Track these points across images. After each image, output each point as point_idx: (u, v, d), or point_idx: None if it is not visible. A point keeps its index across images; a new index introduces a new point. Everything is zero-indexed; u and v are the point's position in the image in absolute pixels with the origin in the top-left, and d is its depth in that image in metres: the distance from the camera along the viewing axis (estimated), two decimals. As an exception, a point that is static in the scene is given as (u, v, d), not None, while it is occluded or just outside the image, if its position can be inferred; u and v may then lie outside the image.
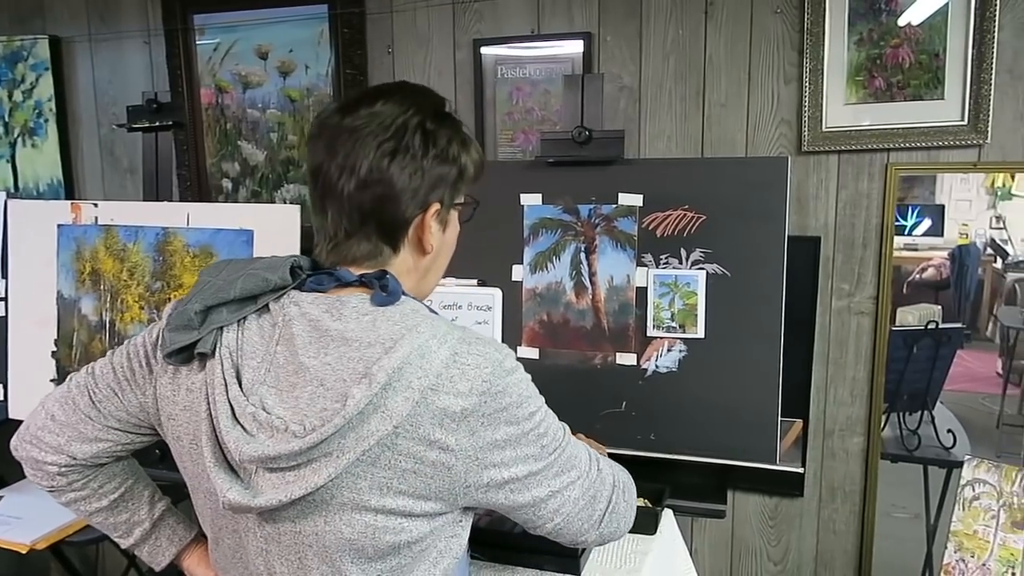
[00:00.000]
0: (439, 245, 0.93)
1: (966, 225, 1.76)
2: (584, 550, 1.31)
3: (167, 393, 0.89)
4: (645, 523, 1.42)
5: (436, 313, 0.88)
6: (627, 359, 1.63)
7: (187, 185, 2.33)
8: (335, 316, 0.83)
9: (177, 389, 0.88)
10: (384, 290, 0.85)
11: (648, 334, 1.62)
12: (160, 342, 0.89)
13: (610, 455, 1.13)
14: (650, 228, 1.62)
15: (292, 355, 0.83)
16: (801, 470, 1.86)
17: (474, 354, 0.82)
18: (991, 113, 1.67)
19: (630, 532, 1.40)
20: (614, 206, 1.64)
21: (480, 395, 0.80)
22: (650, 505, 1.48)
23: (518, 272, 1.71)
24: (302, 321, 0.84)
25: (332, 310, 0.84)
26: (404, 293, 0.87)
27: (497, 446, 0.82)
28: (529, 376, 0.87)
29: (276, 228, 1.78)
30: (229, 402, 0.82)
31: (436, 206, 0.89)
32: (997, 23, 1.64)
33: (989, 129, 1.67)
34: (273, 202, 2.29)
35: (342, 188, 0.85)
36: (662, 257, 1.61)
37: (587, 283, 1.66)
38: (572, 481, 0.90)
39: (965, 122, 1.69)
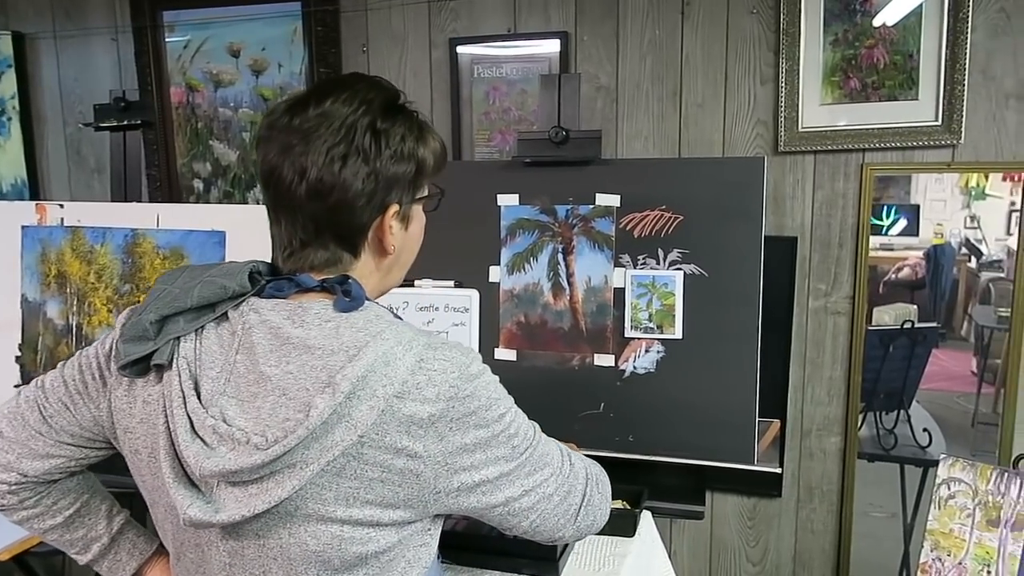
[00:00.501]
0: (402, 243, 0.91)
1: (941, 225, 1.78)
2: (562, 552, 1.31)
3: (123, 406, 0.87)
4: (623, 525, 1.42)
5: (401, 319, 0.87)
6: (605, 360, 1.64)
7: (157, 186, 2.29)
8: (296, 323, 0.82)
9: (133, 401, 0.86)
10: (347, 295, 0.84)
11: (626, 335, 1.62)
12: (114, 353, 0.87)
13: (587, 456, 1.13)
14: (628, 228, 1.62)
15: (253, 364, 0.81)
16: (779, 470, 1.88)
17: (440, 359, 0.81)
18: (964, 113, 1.69)
19: (608, 535, 1.42)
20: (591, 206, 1.64)
21: (447, 400, 0.80)
22: (628, 507, 1.49)
23: (495, 273, 1.70)
24: (262, 329, 0.82)
25: (293, 317, 0.82)
26: (367, 298, 0.86)
27: (467, 450, 0.82)
28: (497, 378, 0.86)
29: (249, 229, 1.77)
30: (188, 415, 0.80)
31: (395, 207, 0.87)
32: (970, 24, 1.67)
33: (963, 129, 1.70)
34: (246, 203, 2.26)
35: (294, 195, 0.83)
36: (640, 257, 1.62)
37: (565, 284, 1.66)
38: (545, 479, 0.90)
39: (939, 122, 1.71)
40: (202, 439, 0.79)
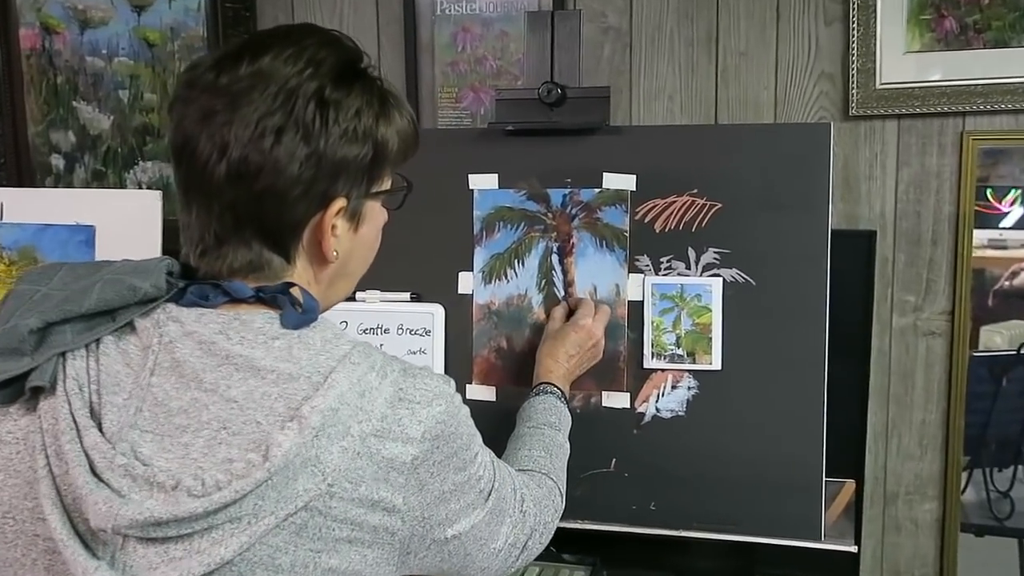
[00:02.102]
0: (349, 248, 0.96)
1: (1069, 214, 1.81)
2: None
3: None
4: (643, 626, 1.43)
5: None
6: (617, 400, 1.65)
7: (0, 163, 2.29)
8: (234, 339, 0.86)
9: None
10: (296, 307, 0.88)
11: (645, 365, 1.63)
12: None
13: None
14: (646, 221, 1.64)
15: (178, 388, 0.84)
16: (855, 549, 1.88)
17: (421, 388, 0.89)
18: (1097, 65, 1.73)
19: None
20: (597, 191, 1.66)
21: (433, 439, 0.88)
22: (650, 601, 1.50)
23: (466, 282, 1.71)
24: (188, 344, 0.85)
25: (228, 331, 0.86)
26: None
27: (443, 499, 0.91)
28: (468, 408, 0.95)
29: (127, 223, 1.77)
30: (85, 452, 0.81)
31: (340, 201, 0.91)
32: (1103, -55, 1.71)
33: (1095, 86, 1.74)
34: (123, 186, 2.27)
35: (210, 177, 0.86)
36: (663, 260, 1.63)
37: (561, 296, 1.67)
38: (504, 533, 1.03)
39: (1063, 76, 1.75)
40: (107, 483, 0.80)
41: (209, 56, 0.91)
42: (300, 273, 0.93)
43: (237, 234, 0.89)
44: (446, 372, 1.68)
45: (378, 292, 1.70)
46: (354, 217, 0.95)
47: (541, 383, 1.48)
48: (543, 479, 1.25)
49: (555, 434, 1.37)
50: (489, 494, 0.99)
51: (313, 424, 0.81)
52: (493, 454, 1.04)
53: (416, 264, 1.70)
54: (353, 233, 0.96)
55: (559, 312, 1.62)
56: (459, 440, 0.91)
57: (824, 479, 1.57)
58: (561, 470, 1.33)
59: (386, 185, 0.98)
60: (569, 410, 1.46)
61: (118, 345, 0.87)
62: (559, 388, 1.47)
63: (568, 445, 1.39)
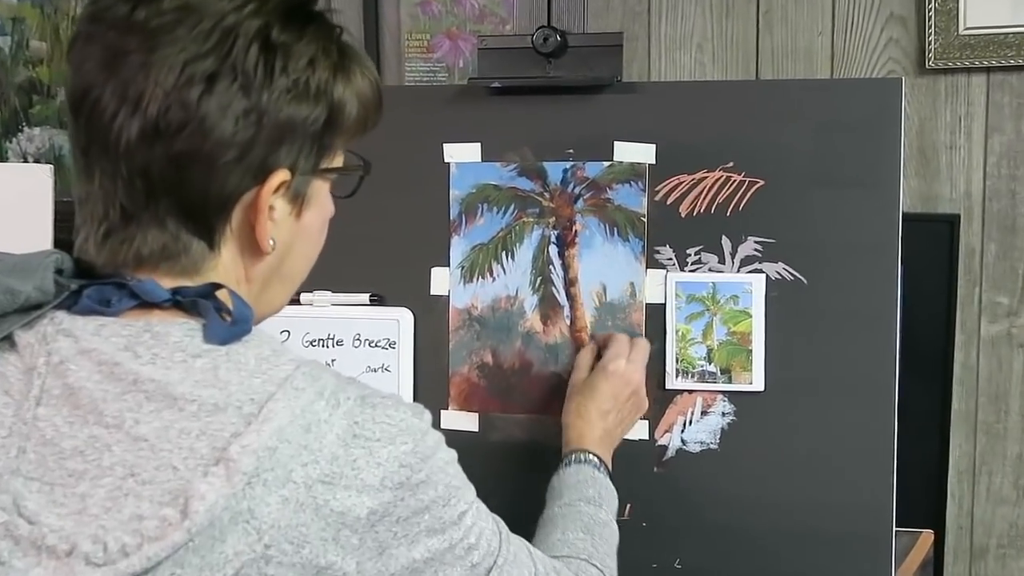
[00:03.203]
0: (289, 240, 0.95)
1: None
2: None
3: None
4: None
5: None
6: (633, 430, 1.65)
7: None
8: (144, 358, 0.84)
9: None
10: (224, 315, 0.87)
11: (668, 386, 1.64)
12: None
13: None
14: (669, 202, 1.64)
15: (72, 423, 0.83)
16: (933, 616, 1.90)
17: (383, 422, 0.86)
18: None
19: None
20: (607, 165, 1.66)
21: (396, 488, 0.85)
22: None
23: (441, 280, 1.71)
24: (85, 364, 0.84)
25: (137, 347, 0.85)
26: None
27: (414, 571, 0.88)
28: (454, 452, 0.93)
29: (10, 204, 1.77)
30: None
31: (282, 174, 0.90)
32: None
33: None
34: (4, 159, 2.27)
35: (117, 135, 0.85)
36: (691, 252, 1.64)
37: (561, 297, 1.68)
38: None
39: None
40: None
41: None
42: (227, 266, 0.92)
43: (149, 208, 0.88)
44: (415, 393, 1.68)
45: (329, 293, 1.70)
46: (297, 198, 0.94)
47: (572, 450, 1.44)
48: (584, 566, 1.21)
49: (595, 511, 1.34)
50: (487, 571, 0.96)
51: (244, 468, 0.79)
52: (501, 522, 1.02)
53: (377, 258, 1.70)
54: (295, 219, 0.95)
55: (585, 358, 1.59)
56: (432, 491, 0.89)
57: (894, 529, 1.57)
58: (608, 555, 1.29)
59: (337, 162, 0.98)
60: (612, 482, 1.42)
61: None
62: (595, 455, 1.43)
63: (615, 525, 1.36)
